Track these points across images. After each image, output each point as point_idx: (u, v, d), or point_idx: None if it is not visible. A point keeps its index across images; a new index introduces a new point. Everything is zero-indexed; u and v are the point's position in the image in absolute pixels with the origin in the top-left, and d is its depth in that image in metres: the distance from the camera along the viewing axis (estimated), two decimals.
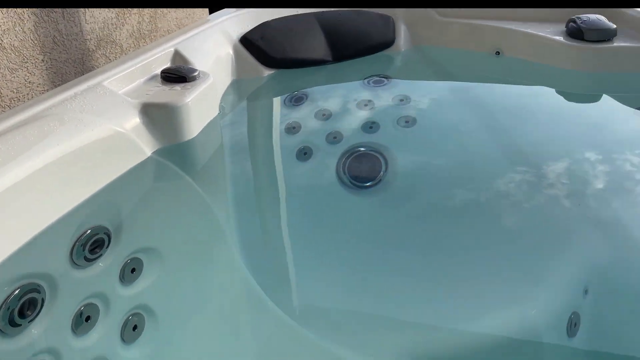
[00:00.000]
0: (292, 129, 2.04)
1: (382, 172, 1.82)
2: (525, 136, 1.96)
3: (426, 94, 2.34)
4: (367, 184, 1.79)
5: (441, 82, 2.46)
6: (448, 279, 1.41)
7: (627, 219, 1.51)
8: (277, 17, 2.40)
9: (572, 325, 1.31)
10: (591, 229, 1.51)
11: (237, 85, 2.18)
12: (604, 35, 2.07)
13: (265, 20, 2.34)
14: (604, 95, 2.15)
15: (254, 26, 2.30)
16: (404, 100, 2.22)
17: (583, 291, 1.39)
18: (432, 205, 1.71)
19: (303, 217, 1.71)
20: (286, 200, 1.79)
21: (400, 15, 2.59)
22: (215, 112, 1.74)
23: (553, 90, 2.24)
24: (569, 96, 2.18)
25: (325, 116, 2.13)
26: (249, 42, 2.23)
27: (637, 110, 1.97)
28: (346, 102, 2.30)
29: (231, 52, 2.18)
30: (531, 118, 2.08)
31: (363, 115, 2.14)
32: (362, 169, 1.86)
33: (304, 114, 2.15)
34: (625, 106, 2.04)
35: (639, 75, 2.09)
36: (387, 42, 2.54)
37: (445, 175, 1.84)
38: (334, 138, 1.99)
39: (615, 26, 2.10)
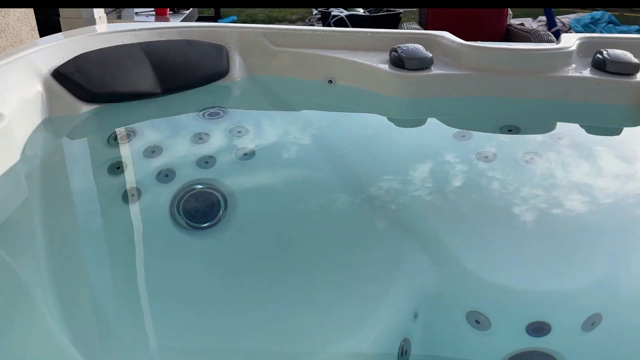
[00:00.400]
0: (116, 169, 1.86)
1: (221, 210, 1.72)
2: (362, 164, 1.99)
3: (264, 125, 2.30)
4: (206, 224, 1.69)
5: (278, 111, 2.44)
6: (290, 312, 1.38)
7: (451, 241, 1.58)
8: (97, 47, 2.21)
9: (403, 353, 1.32)
10: (420, 253, 1.56)
11: (49, 125, 1.95)
12: (422, 64, 2.20)
13: (83, 52, 2.14)
14: (428, 119, 2.29)
15: (69, 58, 2.09)
16: (241, 132, 2.16)
17: (413, 316, 1.42)
18: (275, 240, 1.66)
19: (133, 266, 1.55)
20: (112, 248, 1.61)
21: (234, 45, 2.54)
22: (15, 158, 1.52)
23: (381, 116, 2.33)
24: (397, 122, 2.29)
25: (156, 153, 1.99)
26: (63, 76, 2.02)
27: (457, 133, 2.11)
28: (178, 136, 2.18)
29: (41, 88, 1.95)
30: (365, 145, 2.13)
31: (198, 150, 2.03)
32: (200, 208, 1.75)
33: (130, 152, 1.98)
34: (446, 128, 2.19)
35: (455, 99, 2.25)
36: (221, 73, 2.46)
37: (287, 207, 1.81)
38: (165, 176, 1.86)
39: (431, 55, 2.24)
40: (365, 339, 1.29)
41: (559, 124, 2.22)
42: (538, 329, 1.37)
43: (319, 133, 2.22)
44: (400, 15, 6.34)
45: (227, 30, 2.58)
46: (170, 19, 6.18)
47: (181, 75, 2.33)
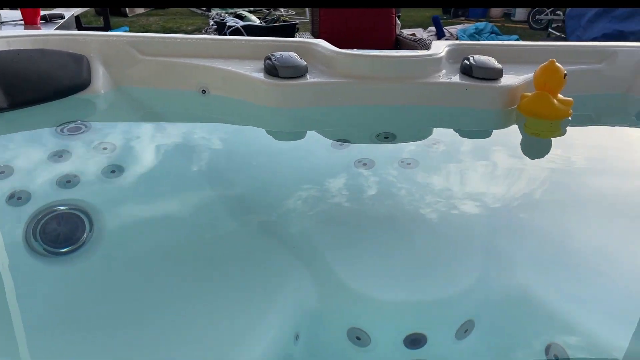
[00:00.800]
0: None
1: (86, 233, 1.54)
2: (240, 178, 1.90)
3: (132, 140, 2.13)
4: (67, 249, 1.50)
5: (148, 124, 2.28)
6: (160, 341, 1.25)
7: (332, 256, 1.52)
8: None
9: None
10: (301, 269, 1.49)
11: None
12: (296, 72, 2.15)
13: None
14: (306, 130, 2.24)
15: None
16: (107, 147, 1.98)
17: (294, 337, 1.34)
18: (146, 262, 1.51)
19: None
20: None
21: (96, 55, 2.33)
22: None
23: (259, 128, 2.25)
24: (275, 134, 2.21)
25: (5, 174, 1.76)
26: None
27: (335, 142, 2.07)
28: (33, 154, 1.95)
29: None
30: (243, 158, 2.04)
31: (58, 168, 1.83)
32: (61, 232, 1.56)
33: None
34: (324, 138, 2.14)
35: (332, 108, 2.22)
36: (81, 84, 2.25)
37: (159, 225, 1.67)
38: (18, 199, 1.64)
39: (305, 63, 2.19)
40: None
41: (433, 129, 2.26)
42: (415, 341, 1.35)
43: (193, 147, 2.09)
44: (297, 26, 6.34)
45: (88, 38, 2.37)
46: (42, 28, 5.67)
47: (31, 87, 2.09)
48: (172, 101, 2.39)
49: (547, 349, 1.28)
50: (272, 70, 2.15)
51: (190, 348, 1.24)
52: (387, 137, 2.14)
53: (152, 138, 2.17)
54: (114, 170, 1.87)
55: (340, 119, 2.25)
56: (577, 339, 1.29)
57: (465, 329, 1.36)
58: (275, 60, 2.16)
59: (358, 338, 1.37)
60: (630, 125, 2.49)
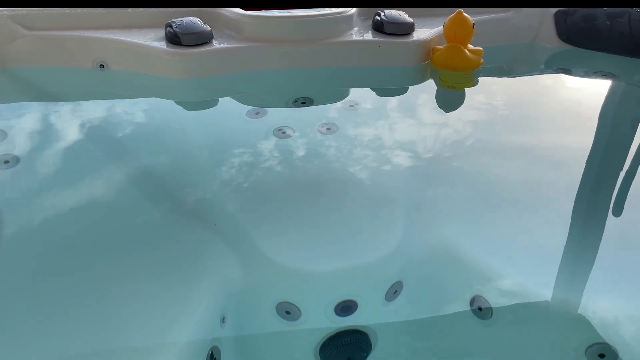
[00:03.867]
0: None
1: None
2: (152, 155, 1.76)
3: (25, 125, 1.93)
4: None
5: (42, 106, 2.07)
6: (81, 329, 1.15)
7: (254, 230, 1.44)
8: None
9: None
10: (223, 247, 1.40)
11: None
12: (201, 39, 2.01)
13: None
14: (218, 99, 2.12)
15: None
16: None
17: (220, 320, 1.27)
18: (54, 252, 1.36)
19: None
20: None
21: None
22: None
23: (167, 100, 2.10)
24: (185, 105, 2.07)
25: None
26: None
27: (250, 110, 1.97)
28: None
29: None
30: (152, 135, 1.90)
31: None
32: None
33: None
34: (238, 106, 2.03)
35: (243, 74, 2.11)
36: None
37: (68, 212, 1.51)
38: None
39: (210, 28, 2.06)
40: (168, 354, 1.10)
41: (349, 90, 2.20)
42: (346, 308, 1.31)
43: (95, 126, 1.92)
44: None
45: None
46: None
47: None
48: (68, 80, 2.18)
49: (472, 301, 1.28)
50: (174, 38, 2.00)
51: (111, 339, 1.13)
52: (304, 102, 2.06)
53: (48, 121, 1.97)
54: (8, 160, 1.68)
55: (253, 85, 2.14)
56: (500, 291, 1.29)
57: (394, 290, 1.34)
58: (176, 27, 2.00)
59: (288, 312, 1.32)
60: (539, 73, 2.55)
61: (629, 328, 1.17)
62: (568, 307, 1.22)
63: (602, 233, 1.45)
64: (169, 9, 2.20)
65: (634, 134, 1.95)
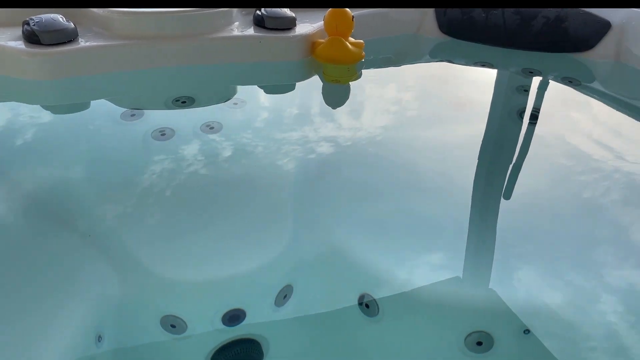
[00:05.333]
0: None
1: None
2: (12, 168, 1.58)
3: None
4: None
5: None
6: None
7: (133, 241, 1.34)
8: None
9: None
10: (99, 260, 1.29)
11: None
12: (63, 37, 1.83)
13: None
14: (89, 102, 1.95)
15: None
16: None
17: (96, 339, 1.16)
18: None
19: None
20: None
21: None
22: None
23: (29, 105, 1.89)
24: (51, 109, 1.89)
25: None
26: None
27: (124, 112, 1.83)
28: None
29: None
30: (13, 144, 1.70)
31: None
32: None
33: None
34: (111, 108, 1.88)
35: (113, 74, 1.96)
36: None
37: None
38: None
39: (74, 25, 1.89)
40: None
41: (233, 87, 2.12)
42: (234, 317, 1.25)
43: None
44: None
45: None
46: None
47: None
48: None
49: (361, 298, 1.27)
50: (32, 36, 1.81)
51: None
52: (185, 102, 1.95)
53: None
54: None
55: (126, 86, 2.00)
56: (386, 286, 1.29)
57: (284, 295, 1.29)
58: (34, 24, 1.81)
59: (173, 326, 1.24)
60: (422, 64, 2.61)
61: (504, 315, 1.21)
62: (448, 299, 1.25)
63: (488, 230, 1.49)
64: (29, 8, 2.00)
65: (517, 121, 2.05)
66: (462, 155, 1.80)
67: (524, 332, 1.18)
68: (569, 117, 2.15)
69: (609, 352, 1.15)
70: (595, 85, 2.43)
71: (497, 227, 1.48)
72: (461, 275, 1.31)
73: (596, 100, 2.27)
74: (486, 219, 1.52)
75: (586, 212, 1.57)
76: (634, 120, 2.13)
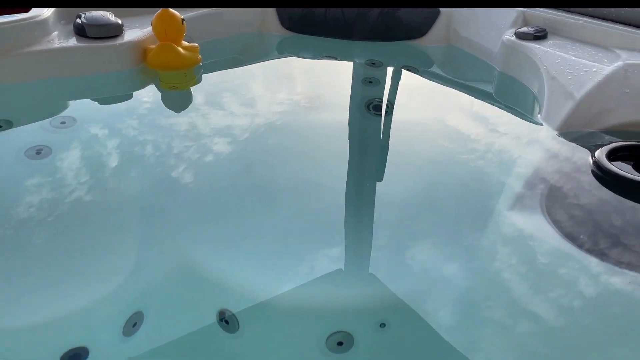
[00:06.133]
0: None
1: None
2: None
3: None
4: None
5: None
6: None
7: None
8: None
9: None
10: None
11: None
12: None
13: None
14: None
15: None
16: None
17: None
18: None
19: None
20: None
21: None
22: None
23: None
24: None
25: None
26: None
27: None
28: None
29: None
30: None
31: None
32: None
33: None
34: None
35: None
36: None
37: None
38: None
39: None
40: None
41: (63, 104, 1.92)
42: (75, 356, 1.12)
43: None
44: None
45: None
46: None
47: None
48: None
49: (221, 315, 1.20)
50: None
51: None
52: (1, 126, 1.74)
53: None
54: None
55: None
56: (243, 298, 1.24)
57: (133, 323, 1.19)
58: None
59: None
60: (268, 60, 2.57)
61: (362, 315, 1.21)
62: (307, 303, 1.22)
63: (344, 229, 1.48)
64: None
65: (367, 112, 2.08)
66: (315, 153, 1.78)
67: (380, 325, 1.18)
68: (416, 103, 2.22)
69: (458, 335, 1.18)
70: (434, 69, 2.55)
71: (352, 226, 1.48)
72: (316, 278, 1.29)
73: (436, 84, 2.38)
74: (337, 216, 1.52)
75: (446, 198, 1.60)
76: (472, 98, 2.24)
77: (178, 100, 2.06)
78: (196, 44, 2.07)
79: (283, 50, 2.61)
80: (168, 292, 1.28)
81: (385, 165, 1.78)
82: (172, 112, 1.96)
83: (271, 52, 2.60)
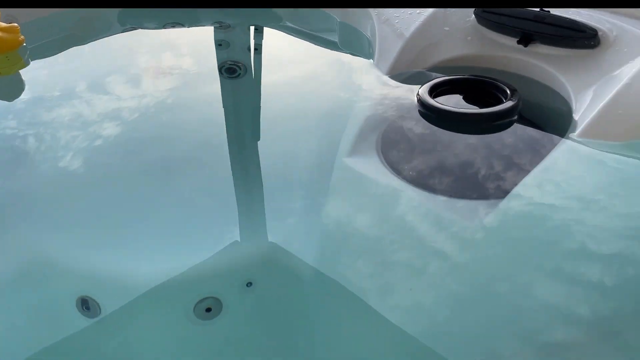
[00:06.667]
0: None
1: None
2: None
3: None
4: None
5: None
6: None
7: None
8: None
9: None
10: None
11: None
12: None
13: None
14: None
15: None
16: None
17: None
18: None
19: None
20: None
21: None
22: None
23: None
24: None
25: None
26: None
27: None
28: None
29: None
30: None
31: None
32: None
33: None
34: None
35: None
36: None
37: None
38: None
39: None
40: None
41: None
42: None
43: None
44: None
45: None
46: None
47: None
48: None
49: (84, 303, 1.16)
50: None
51: None
52: None
53: None
54: None
55: None
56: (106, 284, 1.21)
57: None
58: None
59: None
60: (111, 34, 2.42)
61: (225, 275, 1.22)
62: (174, 272, 1.20)
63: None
64: None
65: (223, 76, 2.05)
66: (181, 124, 1.75)
67: (247, 285, 1.19)
68: (266, 61, 2.21)
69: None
70: (283, 24, 2.54)
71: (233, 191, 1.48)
72: (177, 250, 1.28)
73: (285, 40, 2.38)
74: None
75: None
76: (319, 48, 2.29)
77: (5, 87, 1.91)
78: (15, 25, 1.91)
79: (125, 23, 2.48)
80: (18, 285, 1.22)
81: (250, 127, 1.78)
82: (4, 101, 1.82)
83: (113, 26, 2.46)
